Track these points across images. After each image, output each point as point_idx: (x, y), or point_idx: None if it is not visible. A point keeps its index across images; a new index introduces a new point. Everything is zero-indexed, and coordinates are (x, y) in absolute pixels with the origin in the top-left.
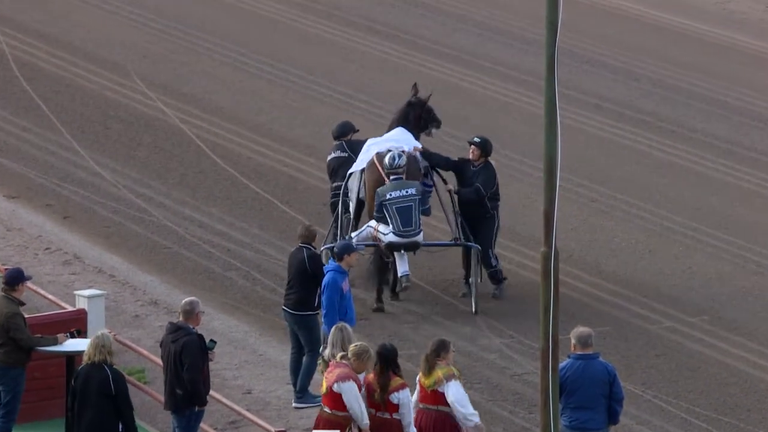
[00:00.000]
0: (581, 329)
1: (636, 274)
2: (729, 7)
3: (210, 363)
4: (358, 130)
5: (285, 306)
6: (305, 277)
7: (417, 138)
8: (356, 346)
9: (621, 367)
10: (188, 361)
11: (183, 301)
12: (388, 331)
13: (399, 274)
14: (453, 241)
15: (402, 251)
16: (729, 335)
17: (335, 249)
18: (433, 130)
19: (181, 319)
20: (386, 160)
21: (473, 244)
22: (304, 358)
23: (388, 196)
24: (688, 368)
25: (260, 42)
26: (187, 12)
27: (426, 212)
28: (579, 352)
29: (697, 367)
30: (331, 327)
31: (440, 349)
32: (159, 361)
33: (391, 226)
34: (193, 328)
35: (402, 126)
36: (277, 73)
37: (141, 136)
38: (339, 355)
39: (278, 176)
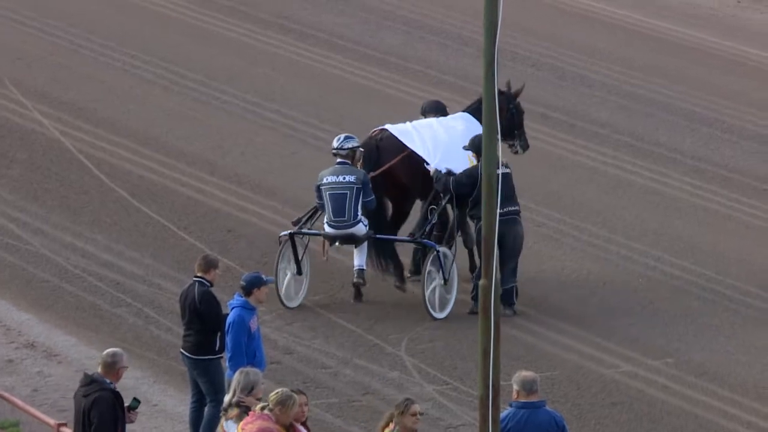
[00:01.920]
0: (525, 373)
1: (589, 311)
2: (695, 2)
3: (128, 425)
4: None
5: (183, 349)
6: (200, 317)
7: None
8: (278, 393)
9: (571, 417)
10: (96, 421)
11: (105, 352)
12: (303, 376)
13: (354, 267)
14: (409, 237)
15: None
16: (697, 381)
17: (243, 282)
18: (520, 150)
19: (99, 371)
20: (333, 140)
21: (430, 242)
22: (206, 409)
23: (324, 180)
24: (649, 419)
25: (153, 42)
26: (68, 7)
27: (368, 205)
28: (523, 400)
29: (659, 418)
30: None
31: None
32: (36, 412)
33: (326, 214)
34: (111, 383)
35: (473, 113)
36: (173, 78)
37: (14, 152)
38: (259, 406)
39: (174, 197)
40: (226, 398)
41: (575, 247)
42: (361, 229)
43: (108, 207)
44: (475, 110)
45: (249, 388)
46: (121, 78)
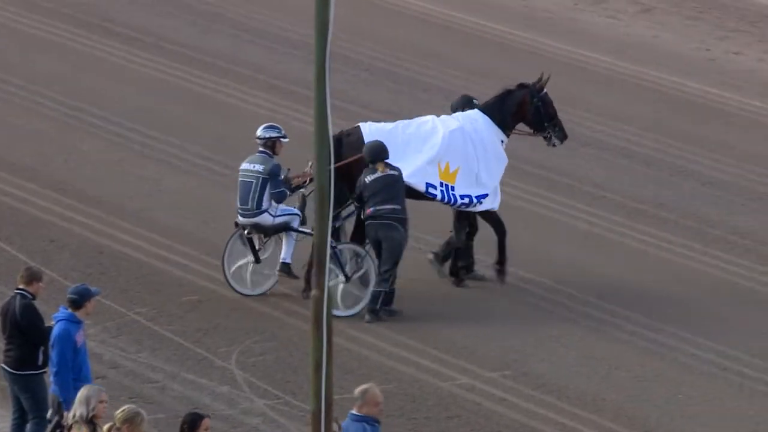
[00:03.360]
0: (366, 386)
1: (426, 322)
2: (532, 4)
3: None
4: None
5: (4, 364)
6: (22, 331)
7: (507, 133)
8: (124, 410)
9: (407, 431)
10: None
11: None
12: (129, 391)
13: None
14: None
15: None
16: (535, 393)
17: (73, 295)
18: (556, 142)
19: None
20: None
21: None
22: (28, 426)
23: (240, 167)
24: None
25: None
26: None
27: (275, 197)
28: (356, 413)
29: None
30: (63, 387)
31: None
32: None
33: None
34: None
35: (487, 110)
36: None
37: None
38: (106, 426)
39: None
40: (70, 414)
41: (410, 257)
42: (266, 218)
43: None
44: (489, 106)
45: (91, 404)
46: None
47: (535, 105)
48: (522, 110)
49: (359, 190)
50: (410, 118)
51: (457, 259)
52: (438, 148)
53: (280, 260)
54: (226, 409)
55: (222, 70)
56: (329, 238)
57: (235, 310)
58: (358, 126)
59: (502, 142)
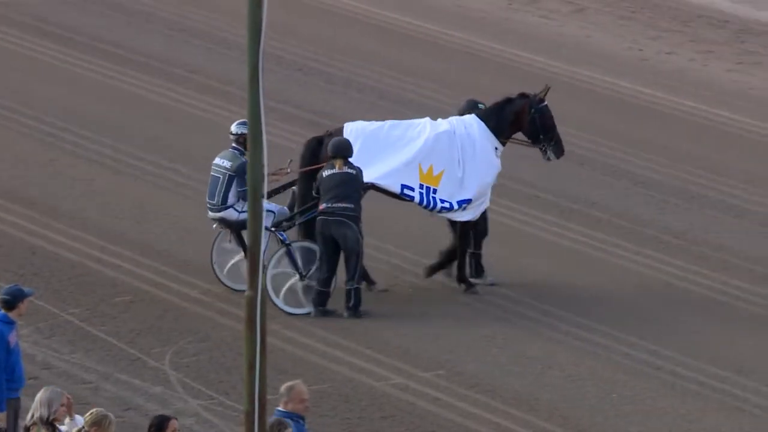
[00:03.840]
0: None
1: (359, 322)
2: (466, 4)
3: None
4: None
5: None
6: None
7: (503, 141)
8: (92, 413)
9: (341, 431)
10: None
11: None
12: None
13: None
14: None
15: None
16: (469, 393)
17: (6, 296)
18: (551, 156)
19: None
20: None
21: (283, 235)
22: None
23: (213, 161)
24: None
25: None
26: None
27: (244, 194)
28: (281, 409)
29: (431, 431)
30: None
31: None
32: None
33: None
34: None
35: (483, 115)
36: None
37: None
38: (75, 429)
39: None
40: (29, 415)
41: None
42: (231, 214)
43: None
44: (486, 112)
45: (53, 407)
46: None
47: (532, 116)
48: (519, 120)
49: (316, 185)
50: (343, 118)
51: (461, 265)
52: (417, 150)
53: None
54: (160, 410)
55: (155, 70)
56: (263, 238)
57: (168, 311)
58: (343, 126)
59: (496, 149)
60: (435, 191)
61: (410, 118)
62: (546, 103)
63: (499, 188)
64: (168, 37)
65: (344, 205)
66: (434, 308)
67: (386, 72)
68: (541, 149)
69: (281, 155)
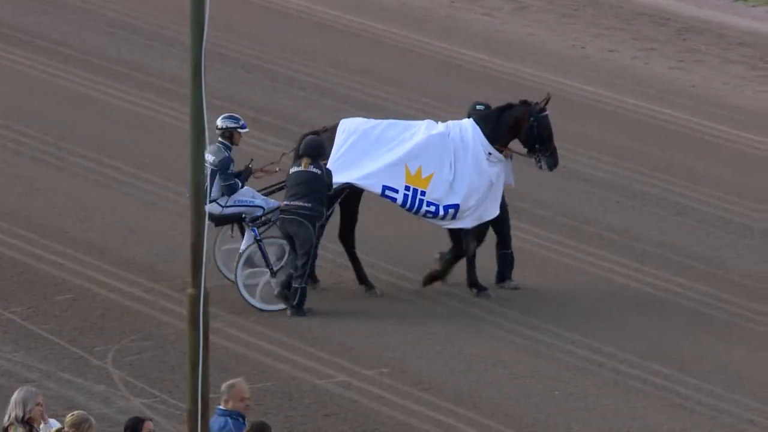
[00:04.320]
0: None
1: (302, 320)
2: (409, 2)
3: None
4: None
5: None
6: None
7: (499, 148)
8: (73, 415)
9: (284, 429)
10: None
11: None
12: (4, 391)
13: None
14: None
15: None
16: (412, 391)
17: None
18: (545, 167)
19: None
20: None
21: (255, 230)
22: None
23: None
24: (363, 430)
25: None
26: None
27: (227, 189)
28: (222, 407)
29: (373, 429)
30: None
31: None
32: None
33: None
34: None
35: (480, 119)
36: None
37: None
38: (54, 429)
39: None
40: (6, 416)
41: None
42: (214, 208)
43: None
44: (483, 116)
45: (28, 406)
46: None
47: (530, 124)
48: (517, 127)
49: (285, 182)
50: (286, 115)
51: (471, 269)
52: (405, 152)
53: (239, 251)
54: (102, 408)
55: (97, 68)
56: (205, 237)
57: (111, 309)
58: (339, 122)
59: (489, 154)
60: (423, 193)
61: (353, 116)
62: (547, 113)
63: None
64: (109, 34)
65: (302, 204)
66: (378, 306)
67: (329, 70)
68: (535, 159)
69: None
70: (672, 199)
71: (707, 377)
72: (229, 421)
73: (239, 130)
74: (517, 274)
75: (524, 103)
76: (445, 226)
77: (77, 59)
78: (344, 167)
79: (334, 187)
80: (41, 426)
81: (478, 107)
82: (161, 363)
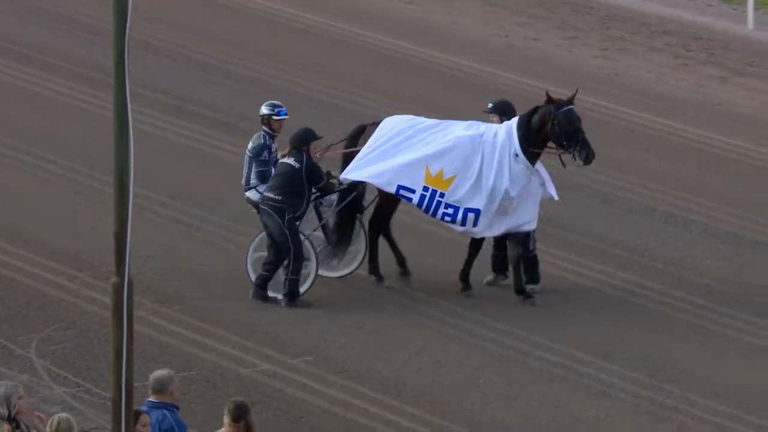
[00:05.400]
0: (158, 372)
1: (227, 308)
2: None
3: None
4: None
5: None
6: None
7: (535, 151)
8: (58, 421)
9: (208, 418)
10: None
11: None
12: None
13: None
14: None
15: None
16: (336, 379)
17: None
18: (578, 160)
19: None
20: None
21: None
22: None
23: None
24: (288, 418)
25: None
26: None
27: (258, 176)
28: (152, 400)
29: (298, 417)
30: None
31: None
32: None
33: None
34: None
35: (518, 121)
36: None
37: None
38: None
39: None
40: None
41: (212, 243)
42: (253, 194)
43: None
44: (520, 118)
45: (12, 401)
46: None
47: (553, 122)
48: (544, 127)
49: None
50: (211, 104)
51: (517, 276)
52: (428, 153)
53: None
54: (26, 397)
55: (19, 56)
56: (129, 225)
57: (34, 298)
58: (389, 118)
59: (516, 156)
60: (442, 195)
61: (282, 104)
62: (570, 106)
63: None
64: (35, 24)
65: (274, 196)
66: (303, 295)
67: (255, 59)
68: (572, 155)
69: (149, 141)
70: (596, 188)
71: (631, 365)
72: (167, 413)
73: (275, 117)
74: (442, 263)
75: (549, 101)
76: (474, 235)
77: (3, 49)
78: (365, 164)
79: (348, 182)
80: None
81: (489, 106)
82: (85, 352)
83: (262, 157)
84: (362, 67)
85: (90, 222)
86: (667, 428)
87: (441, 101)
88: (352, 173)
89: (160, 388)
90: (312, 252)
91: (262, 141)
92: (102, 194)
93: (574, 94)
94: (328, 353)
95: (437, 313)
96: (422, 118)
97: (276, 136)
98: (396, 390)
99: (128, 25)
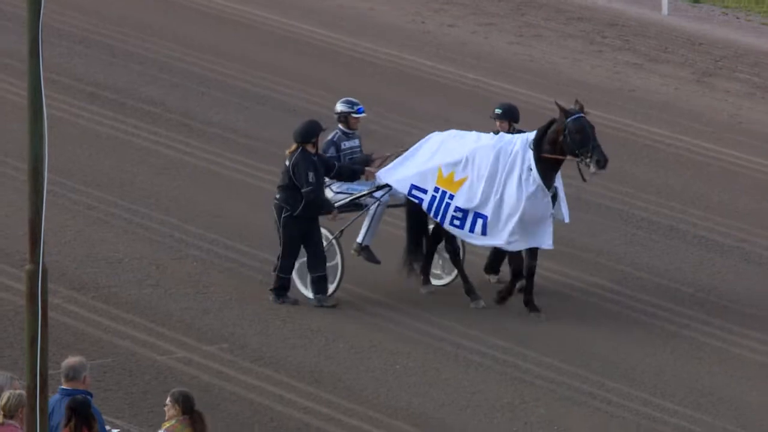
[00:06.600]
0: (70, 359)
1: (143, 295)
2: None
3: None
4: None
5: None
6: None
7: (541, 157)
8: (7, 398)
9: (124, 405)
10: None
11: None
12: None
13: None
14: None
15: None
16: (252, 366)
17: None
18: (593, 167)
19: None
20: None
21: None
22: None
23: None
24: (204, 405)
25: None
26: None
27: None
28: (65, 387)
29: (215, 404)
30: None
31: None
32: None
33: None
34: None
35: (536, 132)
36: None
37: None
38: None
39: None
40: None
41: (127, 229)
42: (327, 193)
43: None
44: (538, 130)
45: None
46: None
47: (564, 134)
48: (558, 139)
49: None
50: (124, 90)
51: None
52: (447, 160)
53: (356, 240)
54: None
55: None
56: (43, 212)
57: None
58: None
59: (530, 170)
60: (451, 197)
61: (193, 92)
62: (580, 114)
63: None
64: None
65: (276, 194)
66: (218, 282)
67: (168, 44)
68: (586, 164)
69: (62, 129)
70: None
71: (546, 351)
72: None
73: (353, 114)
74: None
75: (561, 112)
76: (483, 244)
77: None
78: (393, 168)
79: (375, 185)
80: None
81: (497, 111)
82: (0, 340)
83: (328, 154)
84: (274, 52)
85: (4, 209)
86: (583, 413)
87: (360, 89)
88: (384, 175)
89: (73, 375)
90: (338, 251)
91: (330, 137)
92: (16, 181)
93: (581, 107)
94: (243, 340)
95: (351, 299)
96: (463, 132)
97: (351, 133)
98: (312, 376)
99: (42, 11)
